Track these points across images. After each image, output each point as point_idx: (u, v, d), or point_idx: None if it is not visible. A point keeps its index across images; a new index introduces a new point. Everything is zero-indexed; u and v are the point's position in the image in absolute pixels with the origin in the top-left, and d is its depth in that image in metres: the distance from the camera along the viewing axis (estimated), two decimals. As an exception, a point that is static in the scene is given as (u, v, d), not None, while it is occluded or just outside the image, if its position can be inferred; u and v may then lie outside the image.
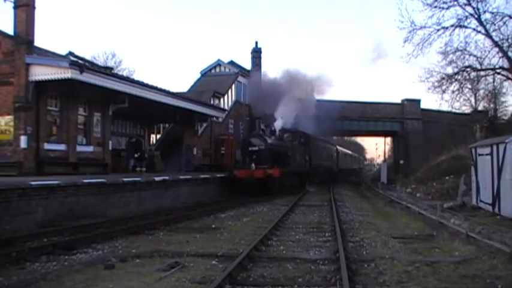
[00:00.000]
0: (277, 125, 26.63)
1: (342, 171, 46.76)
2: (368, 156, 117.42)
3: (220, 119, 28.96)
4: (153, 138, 28.96)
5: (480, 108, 37.10)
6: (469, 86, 31.47)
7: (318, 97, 37.00)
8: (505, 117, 37.07)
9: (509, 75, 24.02)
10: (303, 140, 28.97)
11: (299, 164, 27.03)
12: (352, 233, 10.67)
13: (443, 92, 24.93)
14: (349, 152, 61.27)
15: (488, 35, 22.40)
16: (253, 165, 21.30)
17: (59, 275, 6.43)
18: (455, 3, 22.17)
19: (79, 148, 17.62)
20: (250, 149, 22.15)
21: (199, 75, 35.63)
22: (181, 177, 18.27)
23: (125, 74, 36.03)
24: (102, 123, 18.63)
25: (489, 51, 23.27)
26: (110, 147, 18.98)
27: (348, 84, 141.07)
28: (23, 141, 15.32)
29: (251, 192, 20.52)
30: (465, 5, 22.18)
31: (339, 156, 44.27)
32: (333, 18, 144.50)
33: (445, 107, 29.89)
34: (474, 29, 22.74)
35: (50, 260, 7.42)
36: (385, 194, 25.15)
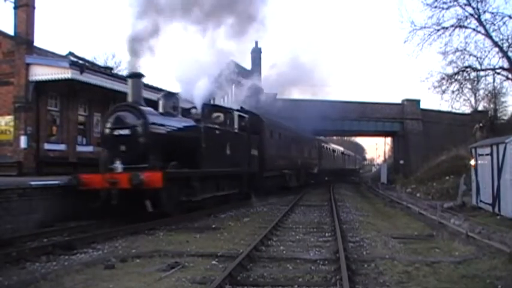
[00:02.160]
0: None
1: (330, 173, 41.01)
2: (368, 156, 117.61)
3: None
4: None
5: (480, 108, 37.13)
6: (469, 86, 31.54)
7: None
8: (505, 117, 37.08)
9: (509, 75, 24.05)
10: (250, 125, 18.26)
11: (232, 162, 15.97)
12: (352, 233, 10.66)
13: (443, 92, 25.00)
14: (341, 148, 52.93)
15: (488, 35, 22.45)
16: (118, 164, 11.42)
17: (59, 275, 6.43)
18: (455, 3, 22.25)
19: (79, 148, 17.65)
20: (116, 133, 11.71)
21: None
22: None
23: (125, 74, 35.96)
24: (102, 123, 18.64)
25: (489, 51, 23.36)
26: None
27: (348, 84, 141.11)
28: (23, 141, 15.36)
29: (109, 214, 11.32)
30: (465, 5, 22.26)
31: (322, 153, 36.65)
32: (333, 19, 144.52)
33: (445, 107, 30.00)
34: (474, 29, 22.80)
35: (50, 259, 7.42)
36: (385, 194, 25.14)
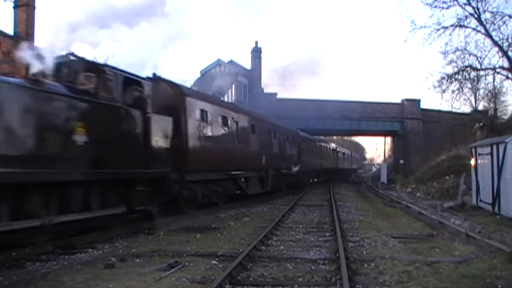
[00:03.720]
0: None
1: (318, 174, 36.43)
2: (368, 156, 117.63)
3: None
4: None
5: (480, 107, 37.16)
6: (469, 86, 31.58)
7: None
8: (505, 117, 37.06)
9: (509, 75, 24.07)
10: (157, 100, 11.28)
11: (103, 158, 9.10)
12: (352, 232, 10.66)
13: (444, 91, 25.02)
14: (331, 144, 44.68)
15: (488, 34, 22.46)
16: None
17: (59, 275, 6.43)
18: (455, 2, 22.26)
19: None
20: None
21: (199, 75, 35.65)
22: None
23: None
24: None
25: (489, 51, 23.39)
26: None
27: (348, 84, 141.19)
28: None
29: None
30: (465, 4, 22.26)
31: (304, 149, 28.88)
32: (333, 18, 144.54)
33: (445, 107, 30.01)
34: (474, 29, 22.81)
35: (50, 259, 7.42)
36: (385, 194, 25.14)
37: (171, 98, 12.52)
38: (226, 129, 15.94)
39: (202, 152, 13.50)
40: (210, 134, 14.45)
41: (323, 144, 38.72)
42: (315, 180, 36.57)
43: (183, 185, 12.33)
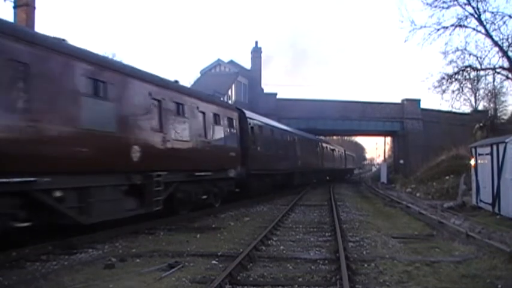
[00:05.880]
0: None
1: (288, 179, 24.32)
2: (368, 156, 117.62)
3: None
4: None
5: (480, 107, 37.16)
6: (469, 86, 31.55)
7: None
8: (505, 117, 37.07)
9: (509, 75, 24.02)
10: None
11: None
12: (352, 232, 10.66)
13: (444, 91, 24.95)
14: (310, 136, 32.00)
15: (488, 34, 22.42)
16: None
17: (59, 275, 6.43)
18: (455, 2, 22.20)
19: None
20: None
21: (199, 75, 35.66)
22: None
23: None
24: None
25: (489, 51, 23.32)
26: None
27: (348, 84, 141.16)
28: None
29: None
30: (465, 4, 22.21)
31: (254, 139, 18.26)
32: (333, 18, 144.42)
33: (445, 107, 29.98)
34: (474, 29, 22.77)
35: (50, 259, 7.42)
36: (385, 194, 25.13)
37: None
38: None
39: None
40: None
41: (299, 135, 28.03)
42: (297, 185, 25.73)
43: None
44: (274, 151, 21.38)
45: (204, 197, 13.80)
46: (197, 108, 13.15)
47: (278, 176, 22.31)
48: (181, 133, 12.00)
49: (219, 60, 37.48)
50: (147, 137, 10.48)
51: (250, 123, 17.92)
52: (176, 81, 13.64)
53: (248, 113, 18.43)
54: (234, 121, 16.32)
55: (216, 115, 14.55)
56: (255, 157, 18.04)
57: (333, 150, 41.97)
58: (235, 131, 16.30)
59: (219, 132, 14.77)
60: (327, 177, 39.36)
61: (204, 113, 13.51)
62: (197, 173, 12.82)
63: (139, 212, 10.29)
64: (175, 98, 11.95)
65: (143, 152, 10.01)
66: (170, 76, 14.83)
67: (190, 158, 12.42)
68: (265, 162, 19.35)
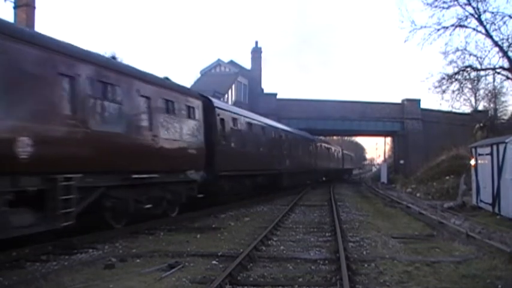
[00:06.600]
0: None
1: (274, 180, 21.74)
2: (368, 156, 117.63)
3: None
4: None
5: (480, 108, 37.10)
6: (469, 86, 31.47)
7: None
8: (505, 117, 37.04)
9: (509, 75, 24.00)
10: None
11: None
12: (352, 232, 10.66)
13: (444, 91, 24.93)
14: (297, 132, 28.39)
15: (488, 34, 22.41)
16: None
17: (59, 275, 6.43)
18: (455, 2, 22.18)
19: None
20: None
21: (199, 75, 35.65)
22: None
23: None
24: None
25: (489, 51, 23.28)
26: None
27: (348, 84, 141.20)
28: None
29: None
30: (465, 4, 22.19)
31: (224, 134, 15.39)
32: (333, 18, 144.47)
33: (445, 107, 29.93)
34: (474, 29, 22.75)
35: (50, 259, 7.42)
36: (385, 194, 25.13)
37: None
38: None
39: None
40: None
41: (287, 131, 25.36)
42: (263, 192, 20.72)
43: None
44: (254, 149, 18.31)
45: (148, 206, 10.62)
46: (137, 91, 10.14)
47: (260, 178, 19.40)
48: (109, 122, 9.05)
49: (219, 60, 37.50)
50: (48, 125, 7.45)
51: (219, 114, 14.83)
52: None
53: (217, 102, 15.58)
54: (196, 111, 13.17)
55: (168, 101, 11.53)
56: (226, 155, 15.09)
57: (328, 149, 39.19)
58: (197, 123, 13.15)
59: (172, 124, 11.58)
60: (323, 178, 37.35)
61: (148, 98, 10.56)
62: (135, 176, 9.83)
63: (37, 230, 7.30)
64: (99, 75, 8.82)
65: (40, 147, 7.09)
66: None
67: (124, 156, 9.39)
68: (240, 161, 16.30)
